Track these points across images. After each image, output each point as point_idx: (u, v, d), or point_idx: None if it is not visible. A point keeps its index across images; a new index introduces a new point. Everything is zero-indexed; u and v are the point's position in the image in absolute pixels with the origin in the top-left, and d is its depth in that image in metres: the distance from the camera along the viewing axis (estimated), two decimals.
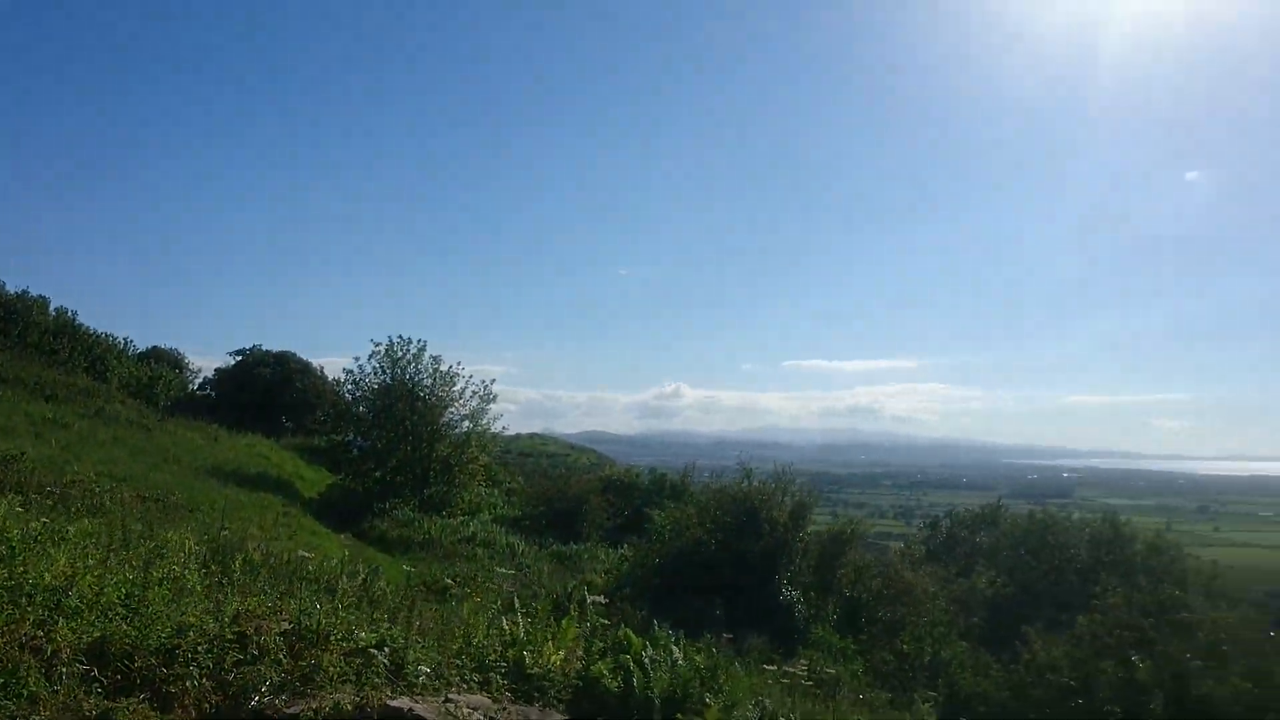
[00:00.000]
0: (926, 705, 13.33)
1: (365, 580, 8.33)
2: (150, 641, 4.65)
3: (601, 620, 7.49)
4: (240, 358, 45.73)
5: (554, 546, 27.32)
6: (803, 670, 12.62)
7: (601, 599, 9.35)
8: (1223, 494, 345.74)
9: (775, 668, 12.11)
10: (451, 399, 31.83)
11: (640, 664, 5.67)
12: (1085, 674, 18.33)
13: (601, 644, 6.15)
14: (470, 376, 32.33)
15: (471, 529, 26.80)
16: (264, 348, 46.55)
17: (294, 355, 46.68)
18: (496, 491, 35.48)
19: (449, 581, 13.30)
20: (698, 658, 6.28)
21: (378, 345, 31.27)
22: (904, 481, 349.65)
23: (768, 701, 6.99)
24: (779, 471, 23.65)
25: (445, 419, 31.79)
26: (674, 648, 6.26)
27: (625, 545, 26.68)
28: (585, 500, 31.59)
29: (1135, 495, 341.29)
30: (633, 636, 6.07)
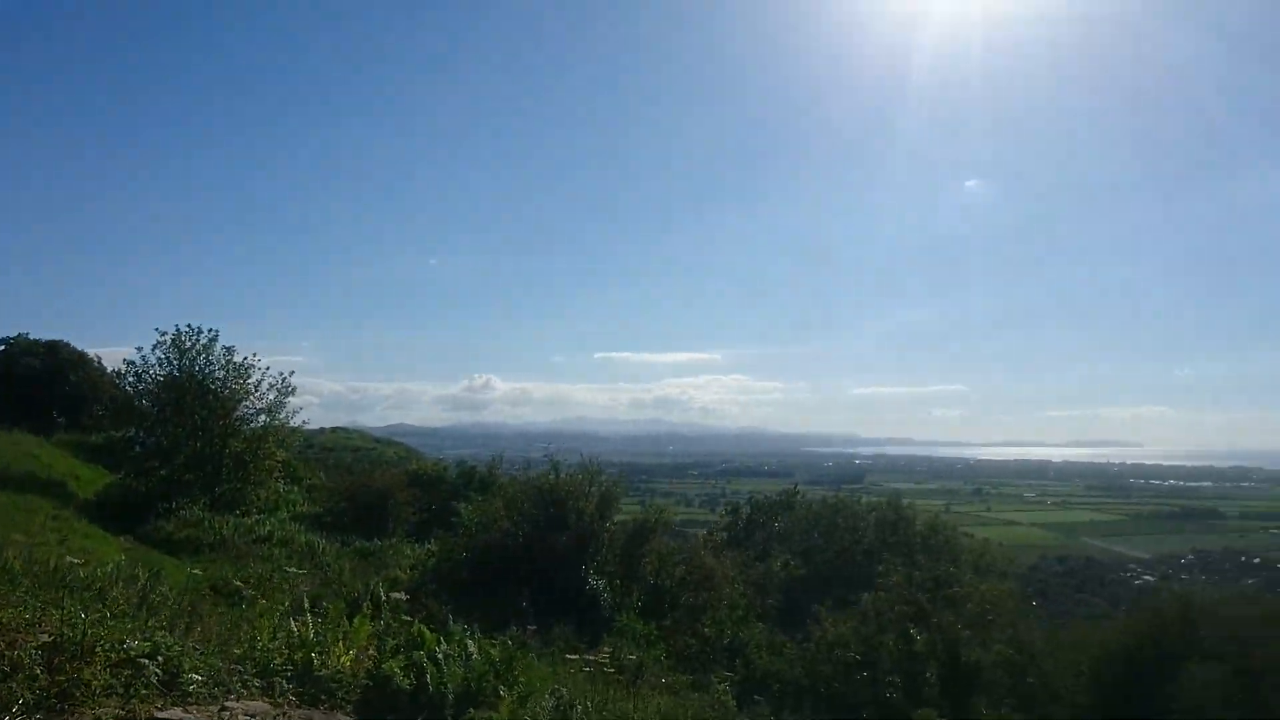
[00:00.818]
0: (723, 685, 13.85)
1: (144, 586, 7.79)
2: None
3: (404, 617, 7.36)
4: (3, 347, 41.68)
5: (357, 543, 26.49)
6: (605, 658, 12.84)
7: (404, 596, 9.17)
8: (994, 477, 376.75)
9: (578, 656, 12.24)
10: (246, 392, 30.18)
11: (434, 660, 5.61)
12: (870, 648, 19.64)
13: (395, 642, 6.02)
14: (267, 368, 30.77)
15: (267, 528, 25.55)
16: (31, 336, 42.63)
17: (67, 345, 42.96)
18: (296, 488, 34.01)
19: (239, 584, 12.65)
20: (493, 651, 6.28)
21: (163, 335, 29.22)
22: (710, 471, 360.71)
23: (565, 690, 7.07)
24: (587, 463, 23.91)
25: (239, 413, 30.12)
26: (469, 642, 6.22)
27: (432, 540, 26.22)
28: (390, 495, 30.79)
29: (919, 480, 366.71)
30: (426, 632, 6.00)
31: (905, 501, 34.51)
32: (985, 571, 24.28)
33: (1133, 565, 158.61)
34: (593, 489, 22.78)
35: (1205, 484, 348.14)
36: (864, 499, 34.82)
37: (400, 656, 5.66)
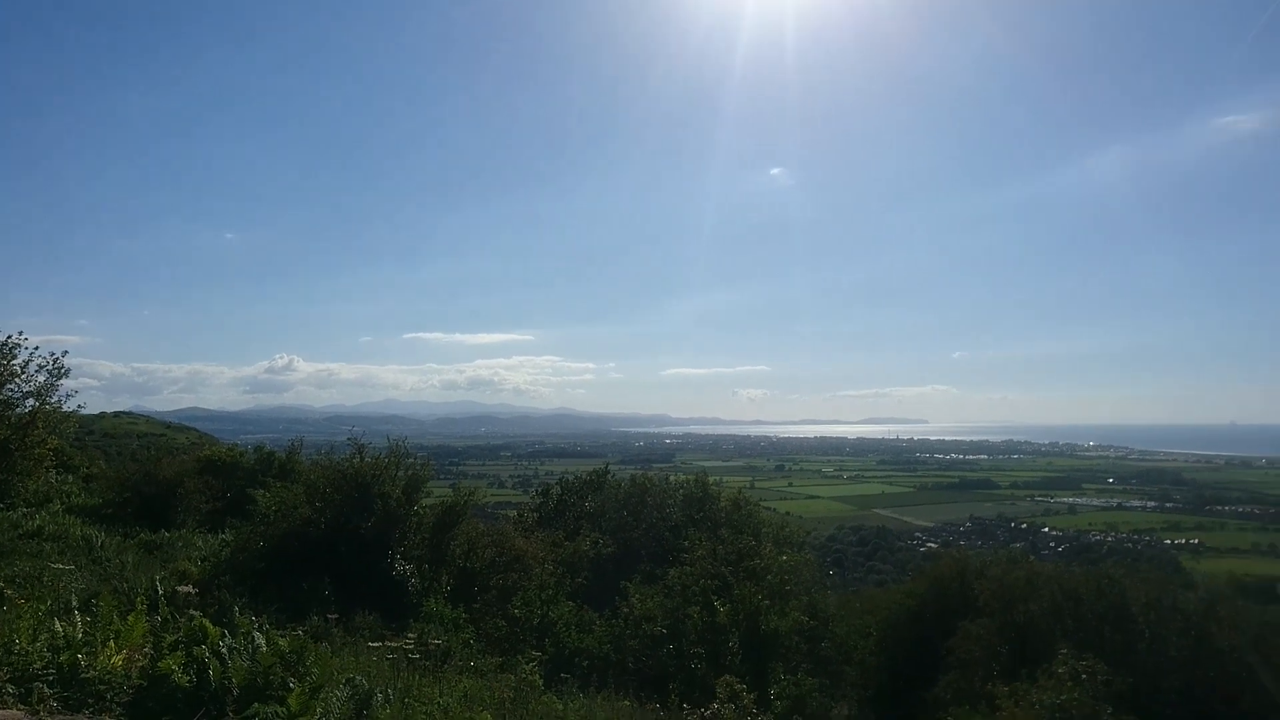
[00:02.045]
0: (530, 665, 13.89)
1: None
2: None
3: (192, 612, 6.95)
4: None
5: (142, 536, 24.71)
6: (410, 643, 12.61)
7: (192, 590, 8.66)
8: (796, 454, 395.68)
9: (381, 644, 11.96)
10: (11, 374, 27.49)
11: (217, 654, 5.32)
12: (676, 620, 20.19)
13: (173, 638, 5.67)
14: (35, 348, 28.11)
15: (37, 522, 23.44)
16: None
17: None
18: (71, 478, 31.36)
19: (0, 583, 11.56)
20: (282, 642, 6.02)
21: None
22: (523, 452, 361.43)
23: (363, 679, 6.88)
24: (394, 445, 23.31)
25: (2, 397, 27.41)
26: (256, 634, 5.94)
27: (226, 530, 24.84)
28: (180, 484, 28.85)
29: (726, 457, 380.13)
30: (209, 626, 5.67)
31: (712, 479, 35.56)
32: (785, 544, 25.40)
33: (918, 533, 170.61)
34: (400, 472, 22.23)
35: (982, 457, 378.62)
36: (673, 477, 35.62)
37: (179, 653, 5.34)
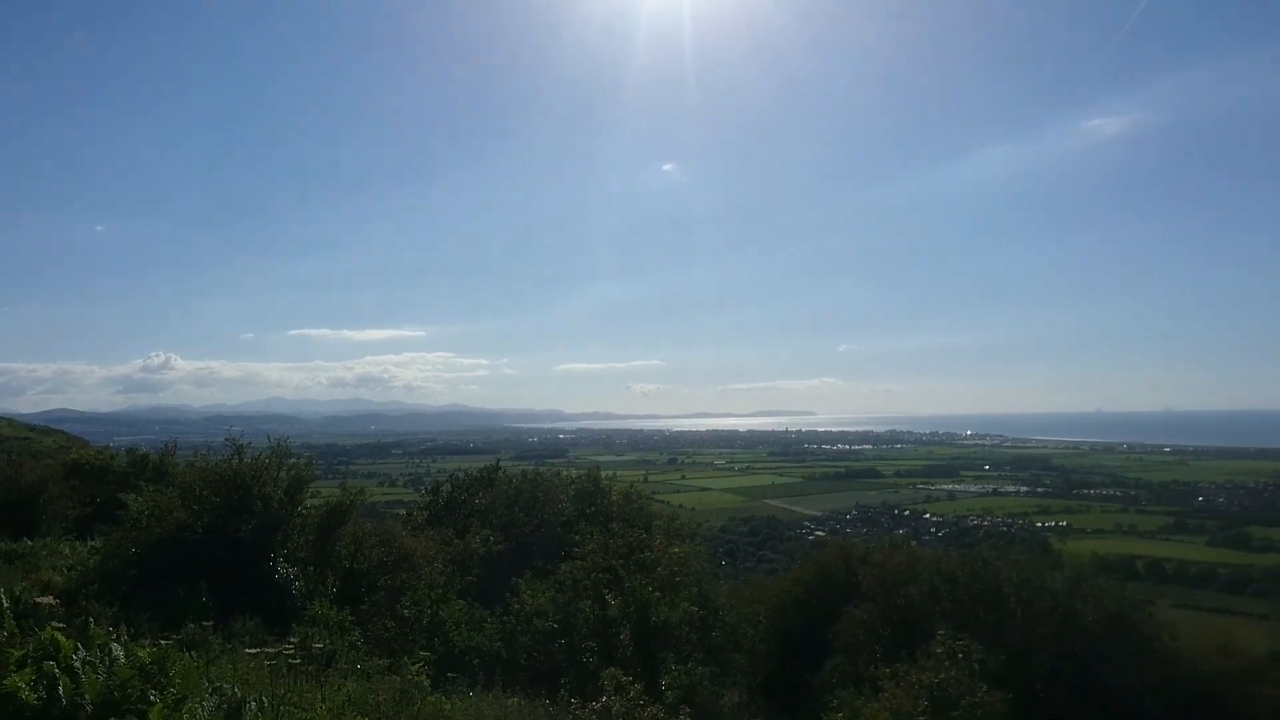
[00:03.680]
0: (418, 665, 13.65)
1: None
2: None
3: (56, 624, 6.54)
4: None
5: (1, 545, 23.30)
6: (291, 648, 12.21)
7: (54, 601, 8.18)
8: (688, 447, 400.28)
9: (259, 650, 11.55)
10: None
11: (69, 670, 5.03)
12: (567, 615, 20.16)
13: (21, 652, 5.33)
14: None
15: None
16: None
17: None
18: None
19: None
20: (142, 653, 5.72)
21: None
22: (414, 450, 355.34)
23: (236, 688, 6.62)
24: (277, 445, 22.58)
25: None
26: (114, 645, 5.63)
27: (95, 537, 23.62)
28: (44, 489, 27.31)
29: (619, 451, 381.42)
30: (61, 639, 5.34)
31: (604, 473, 35.63)
32: (676, 536, 25.61)
33: (807, 522, 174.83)
34: (282, 473, 21.55)
35: (867, 447, 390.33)
36: (565, 472, 35.53)
37: (28, 669, 5.01)
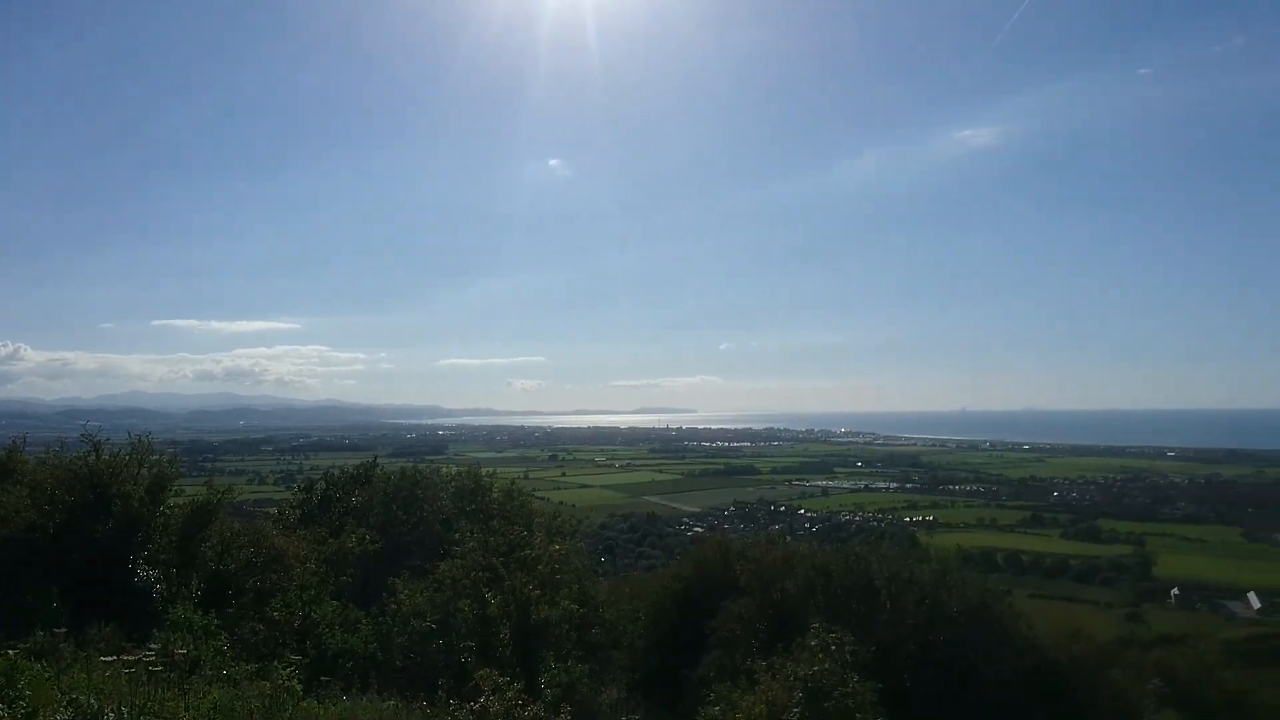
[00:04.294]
0: (289, 670, 13.20)
1: None
2: None
3: None
4: None
5: None
6: (152, 655, 11.66)
7: None
8: (570, 444, 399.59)
9: (116, 658, 10.98)
10: None
11: None
12: (446, 615, 19.87)
13: None
14: None
15: None
16: None
17: None
18: None
19: None
20: None
21: None
22: (286, 446, 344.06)
23: (91, 699, 6.26)
24: (138, 441, 21.62)
25: None
26: None
27: None
28: None
29: (500, 448, 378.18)
30: None
31: (485, 470, 35.29)
32: (557, 533, 25.55)
33: (686, 519, 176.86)
34: (143, 470, 20.64)
35: (745, 444, 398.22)
36: (445, 469, 35.01)
37: None
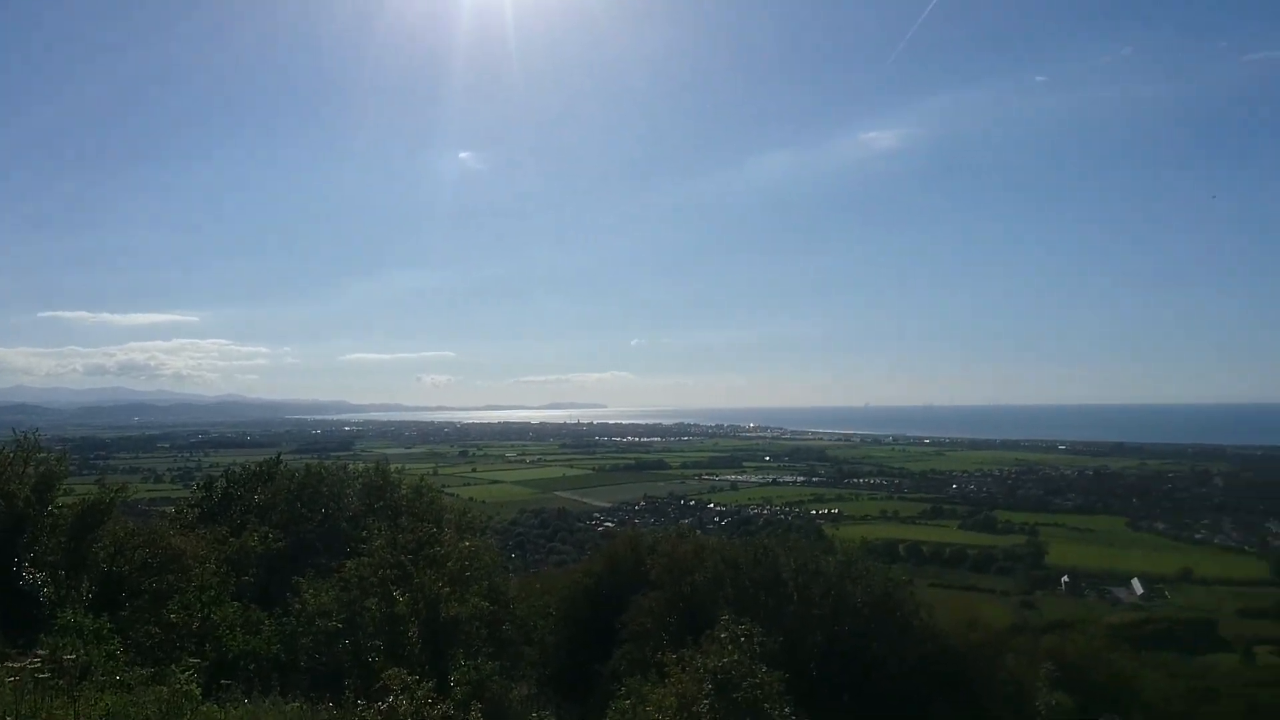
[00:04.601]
0: (188, 674, 12.77)
1: None
2: None
3: None
4: None
5: None
6: (38, 661, 11.15)
7: None
8: (480, 439, 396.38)
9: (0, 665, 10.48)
10: None
11: None
12: (352, 614, 19.49)
13: None
14: None
15: None
16: None
17: None
18: None
19: None
20: None
21: None
22: (184, 443, 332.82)
23: None
24: (22, 438, 20.76)
25: None
26: None
27: None
28: None
29: (408, 444, 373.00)
30: None
31: (393, 466, 34.73)
32: (467, 529, 25.30)
33: (597, 513, 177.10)
34: (29, 468, 19.79)
35: (656, 439, 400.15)
36: (351, 466, 34.33)
37: None
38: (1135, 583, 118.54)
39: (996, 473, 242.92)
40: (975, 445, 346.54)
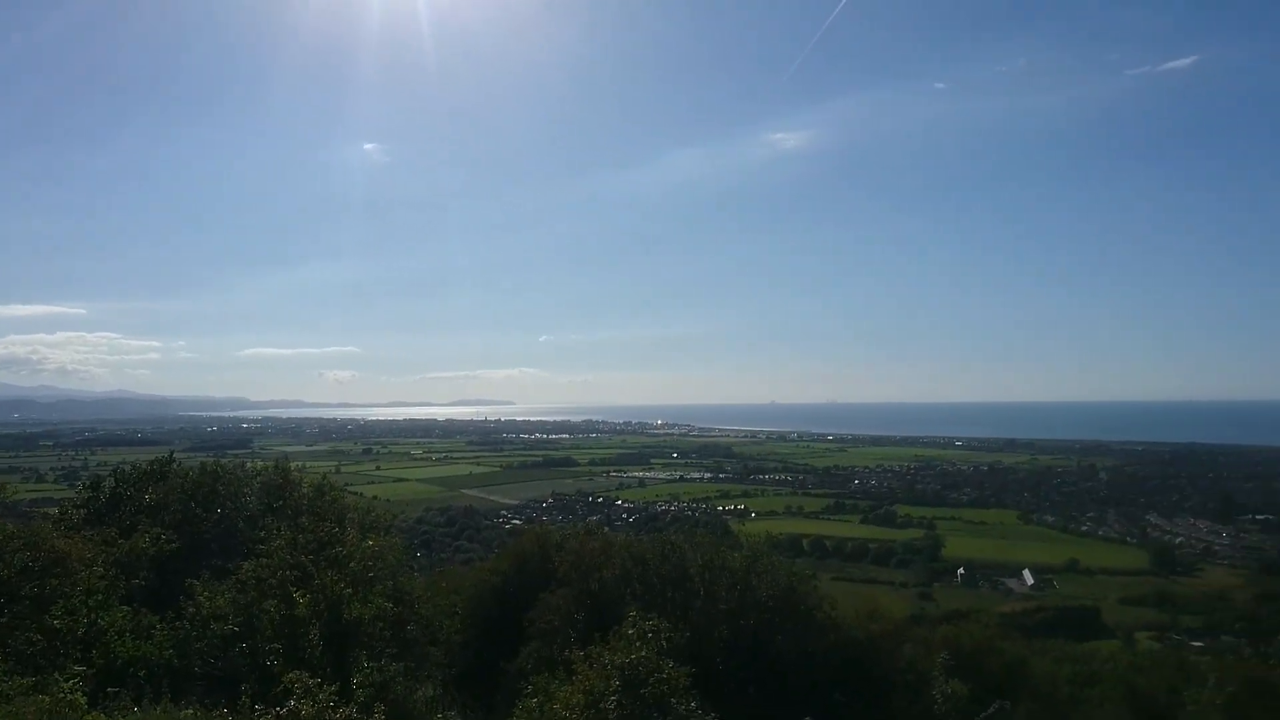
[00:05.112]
0: (72, 682, 12.23)
1: None
2: None
3: None
4: None
5: None
6: None
7: None
8: (384, 437, 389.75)
9: None
10: None
11: None
12: (250, 617, 18.89)
13: None
14: None
15: None
16: None
17: None
18: None
19: None
20: None
21: None
22: (68, 441, 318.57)
23: None
24: None
25: None
26: None
27: None
28: None
29: (310, 441, 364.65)
30: None
31: (294, 464, 33.82)
32: (370, 529, 24.78)
33: (504, 511, 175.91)
34: None
35: (564, 436, 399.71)
36: (250, 464, 33.27)
37: None
38: (1026, 573, 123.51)
39: (897, 468, 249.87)
40: (877, 442, 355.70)
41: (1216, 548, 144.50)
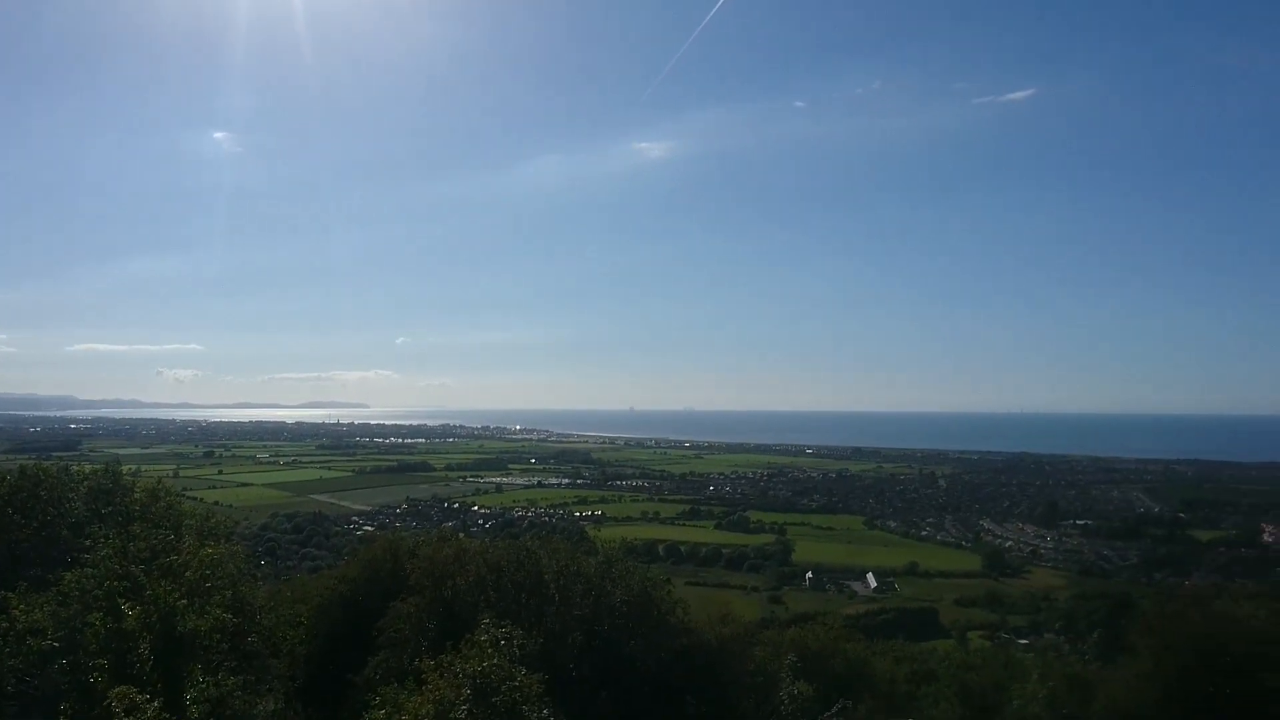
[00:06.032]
0: None
1: None
2: None
3: None
4: None
5: None
6: None
7: None
8: (228, 439, 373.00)
9: None
10: None
11: None
12: (72, 631, 17.67)
13: None
14: None
15: None
16: None
17: None
18: None
19: None
20: None
21: None
22: None
23: None
24: None
25: None
26: None
27: None
28: None
29: (146, 443, 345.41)
30: None
31: (127, 468, 31.88)
32: (210, 536, 23.61)
33: (356, 517, 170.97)
34: None
35: (420, 440, 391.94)
36: (76, 467, 31.15)
37: None
38: (870, 577, 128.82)
39: (750, 475, 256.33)
40: (731, 449, 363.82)
41: (1042, 551, 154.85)
